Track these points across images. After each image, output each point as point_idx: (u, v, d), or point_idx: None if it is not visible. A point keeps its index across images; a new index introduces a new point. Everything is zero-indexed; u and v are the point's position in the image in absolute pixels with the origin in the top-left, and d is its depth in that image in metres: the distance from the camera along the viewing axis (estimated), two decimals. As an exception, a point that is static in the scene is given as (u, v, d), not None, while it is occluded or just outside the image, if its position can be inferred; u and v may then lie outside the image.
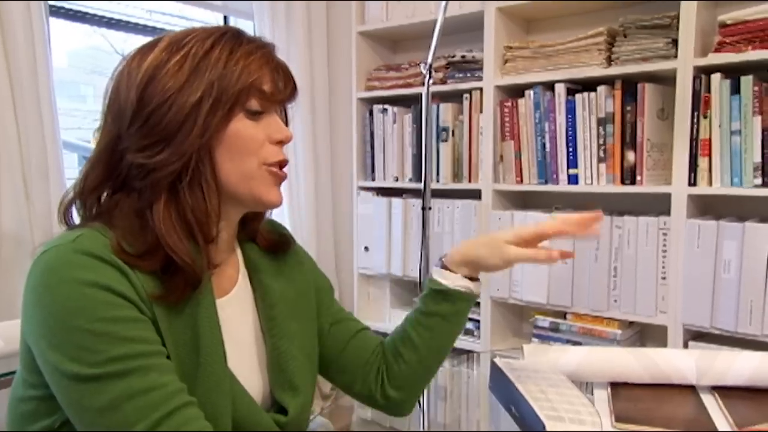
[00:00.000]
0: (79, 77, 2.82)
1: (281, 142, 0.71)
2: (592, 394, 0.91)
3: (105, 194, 0.68)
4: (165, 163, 0.63)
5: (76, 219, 0.69)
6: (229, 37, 0.68)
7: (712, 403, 0.85)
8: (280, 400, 0.75)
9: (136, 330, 0.60)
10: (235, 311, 0.75)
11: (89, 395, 0.57)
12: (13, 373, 1.32)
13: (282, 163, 0.71)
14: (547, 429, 0.70)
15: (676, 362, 0.90)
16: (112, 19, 2.06)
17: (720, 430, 0.76)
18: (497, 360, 0.94)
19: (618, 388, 0.91)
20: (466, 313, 0.86)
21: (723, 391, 0.88)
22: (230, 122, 0.66)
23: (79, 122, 2.81)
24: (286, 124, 0.75)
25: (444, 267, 0.85)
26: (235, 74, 0.66)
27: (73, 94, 2.75)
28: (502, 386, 0.89)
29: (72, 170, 1.91)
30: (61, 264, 0.59)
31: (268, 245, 0.80)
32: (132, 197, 0.66)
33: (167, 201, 0.64)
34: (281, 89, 0.71)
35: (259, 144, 0.69)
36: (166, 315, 0.63)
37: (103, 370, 0.57)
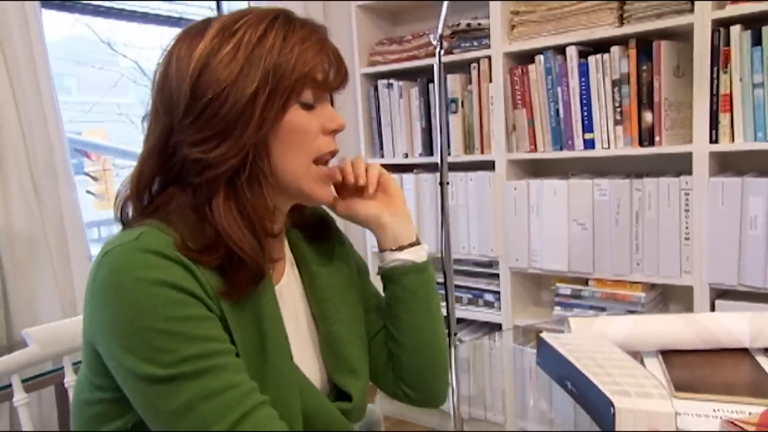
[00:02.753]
0: (62, 69, 2.75)
1: (334, 131, 0.69)
2: (643, 363, 0.89)
3: (156, 187, 0.65)
4: (223, 159, 0.61)
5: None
6: (281, 21, 0.64)
7: (769, 366, 0.84)
8: (341, 386, 0.74)
9: (207, 328, 0.58)
10: (287, 299, 0.73)
11: (165, 397, 0.55)
12: (48, 373, 1.31)
13: (333, 153, 0.69)
14: (617, 406, 0.68)
15: (729, 326, 0.89)
16: (101, 6, 1.99)
17: (784, 393, 0.75)
18: (545, 335, 0.92)
19: (669, 356, 0.90)
20: (419, 285, 0.79)
21: (778, 352, 0.87)
22: (286, 114, 0.63)
23: (68, 115, 2.75)
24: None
25: (382, 250, 0.81)
26: (290, 63, 0.63)
27: (57, 85, 2.68)
28: (553, 361, 0.88)
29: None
30: (127, 264, 0.57)
31: (312, 231, 0.78)
32: (187, 192, 0.63)
33: (226, 196, 0.62)
34: (334, 77, 0.68)
35: (313, 135, 0.66)
36: (232, 311, 0.62)
37: (177, 370, 0.55)
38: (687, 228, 1.64)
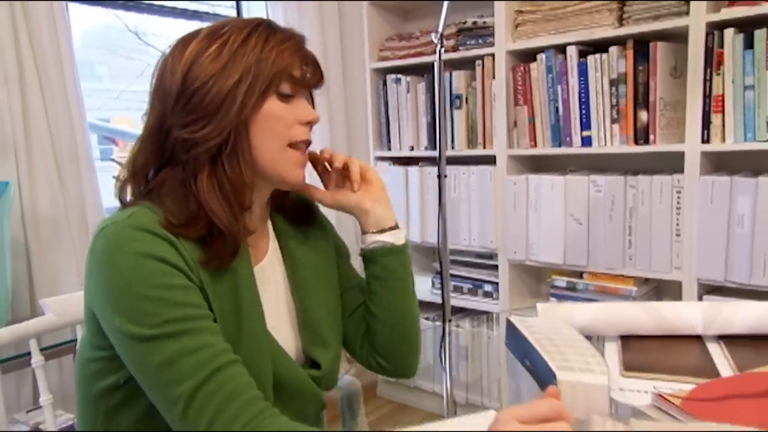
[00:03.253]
0: (94, 57, 2.86)
1: (309, 123, 0.78)
2: (604, 346, 0.96)
3: (151, 171, 0.74)
4: (207, 137, 0.70)
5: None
6: (263, 28, 0.74)
7: (717, 351, 0.90)
8: (312, 356, 0.82)
9: (187, 296, 0.67)
10: (269, 276, 0.81)
11: (148, 353, 0.64)
12: (66, 343, 1.42)
13: (307, 143, 0.78)
14: (558, 378, 0.75)
15: (684, 314, 0.95)
16: (125, 3, 2.10)
17: (723, 375, 0.81)
18: (512, 318, 1.00)
19: (628, 340, 0.96)
20: (396, 265, 0.87)
21: (728, 339, 0.93)
22: (264, 102, 0.73)
23: (97, 102, 2.87)
24: (313, 107, 0.81)
25: (363, 233, 0.89)
26: (269, 60, 0.72)
27: (89, 74, 2.79)
28: (517, 342, 0.95)
29: (94, 151, 1.98)
30: (120, 239, 0.66)
31: (295, 215, 0.87)
32: (177, 170, 0.72)
33: (209, 172, 0.71)
34: (309, 76, 0.77)
35: (289, 124, 0.75)
36: (211, 281, 0.70)
37: (159, 330, 0.64)
38: (678, 225, 1.69)
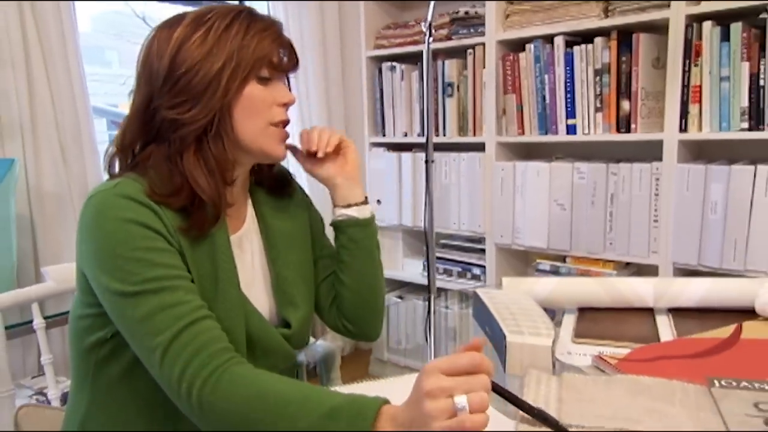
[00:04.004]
0: (104, 42, 2.93)
1: (286, 105, 0.84)
2: (563, 317, 1.03)
3: (138, 146, 0.81)
4: (194, 119, 0.77)
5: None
6: (245, 16, 0.80)
7: (664, 322, 0.97)
8: (284, 316, 0.90)
9: (166, 258, 0.74)
10: (246, 244, 0.89)
11: (130, 308, 0.71)
12: (66, 313, 1.51)
13: (285, 123, 0.85)
14: (508, 340, 0.82)
15: (637, 288, 1.02)
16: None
17: (663, 340, 0.88)
18: (479, 290, 1.07)
19: (585, 312, 1.03)
20: (361, 237, 0.94)
21: (678, 311, 1.00)
22: (246, 86, 0.79)
23: (106, 87, 2.93)
24: (289, 90, 0.88)
25: (334, 206, 0.97)
26: (251, 47, 0.79)
27: (98, 59, 2.85)
28: (481, 312, 1.02)
29: (102, 134, 2.06)
30: (106, 206, 0.73)
31: (272, 187, 0.94)
32: (162, 147, 0.79)
33: (195, 150, 0.78)
34: (287, 62, 0.84)
35: (268, 105, 0.82)
36: (190, 247, 0.78)
37: (140, 287, 0.71)
38: (656, 211, 1.75)
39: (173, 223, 0.76)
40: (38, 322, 1.14)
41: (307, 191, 1.02)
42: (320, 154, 0.91)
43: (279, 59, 0.83)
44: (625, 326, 0.96)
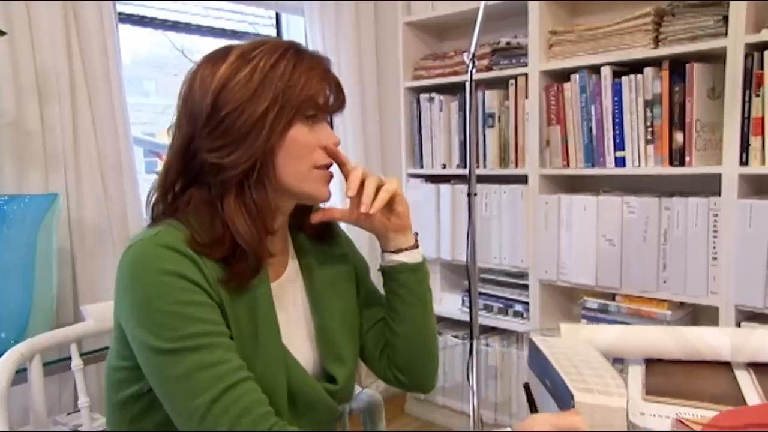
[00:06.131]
0: (143, 73, 2.99)
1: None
2: (628, 370, 0.95)
3: (179, 187, 0.77)
4: (236, 163, 0.72)
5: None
6: (292, 53, 0.76)
7: (745, 379, 0.88)
8: (329, 370, 0.84)
9: (206, 312, 0.69)
10: (287, 292, 0.84)
11: (167, 366, 0.67)
12: (104, 349, 1.48)
13: (329, 165, 0.80)
14: (576, 399, 0.75)
15: (710, 339, 0.93)
16: (170, 20, 2.20)
17: (750, 404, 0.80)
18: (534, 337, 1.00)
19: (653, 364, 0.95)
20: (412, 282, 0.88)
21: (758, 367, 0.91)
22: (291, 129, 0.75)
23: (144, 117, 2.98)
24: (331, 128, 0.83)
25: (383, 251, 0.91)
26: (297, 87, 0.74)
27: (137, 89, 2.90)
28: (538, 362, 0.95)
29: (139, 164, 2.07)
30: (145, 256, 0.69)
31: (315, 233, 0.89)
32: (203, 191, 0.75)
33: (236, 195, 0.74)
34: (333, 101, 0.79)
35: (312, 148, 0.77)
36: (230, 299, 0.73)
37: (178, 344, 0.67)
38: (715, 248, 1.65)
39: (214, 274, 0.72)
40: (76, 363, 1.11)
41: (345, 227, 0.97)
42: (372, 212, 0.82)
43: (326, 99, 0.78)
44: (701, 383, 0.88)
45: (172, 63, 2.71)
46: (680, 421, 0.72)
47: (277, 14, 2.49)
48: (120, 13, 1.85)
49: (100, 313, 1.13)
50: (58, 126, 1.63)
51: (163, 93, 2.95)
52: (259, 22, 2.52)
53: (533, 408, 0.64)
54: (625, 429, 0.73)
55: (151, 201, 0.78)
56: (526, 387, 0.57)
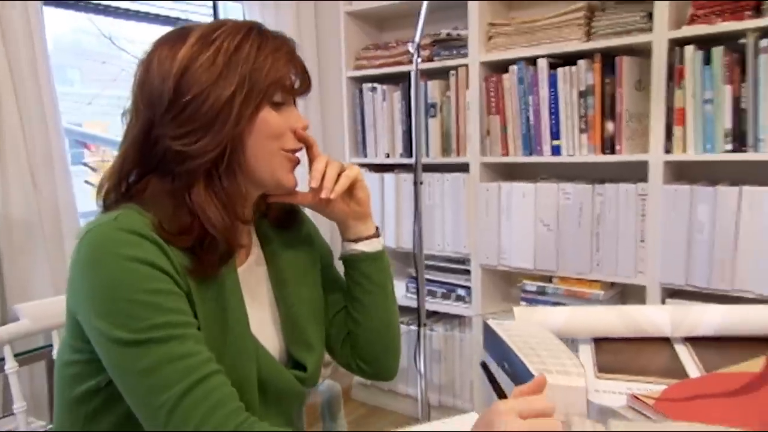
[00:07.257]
0: (66, 61, 2.81)
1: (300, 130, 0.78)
2: (578, 349, 1.01)
3: (133, 176, 0.73)
4: (203, 151, 0.69)
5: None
6: (255, 34, 0.73)
7: (684, 353, 0.96)
8: (298, 358, 0.84)
9: (174, 302, 0.66)
10: (251, 279, 0.82)
11: (132, 359, 0.63)
12: (38, 349, 1.40)
13: (297, 149, 0.79)
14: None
15: (653, 317, 1.00)
16: (101, 5, 2.08)
17: (691, 376, 0.87)
18: (490, 321, 1.04)
19: (600, 343, 1.01)
20: (373, 271, 0.89)
21: (694, 341, 0.99)
22: (259, 113, 0.73)
23: (69, 106, 2.81)
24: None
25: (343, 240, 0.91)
26: (264, 70, 0.72)
27: (61, 78, 2.73)
28: (495, 345, 0.99)
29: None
30: (106, 241, 0.65)
31: (278, 220, 0.88)
32: (165, 180, 0.71)
33: (206, 185, 0.71)
34: (300, 84, 0.78)
35: (282, 132, 0.76)
36: (197, 289, 0.71)
37: (145, 335, 0.63)
38: (642, 231, 1.77)
39: (181, 262, 0.69)
40: (10, 366, 1.05)
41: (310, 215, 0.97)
42: (332, 196, 0.82)
43: (292, 82, 0.77)
44: (646, 358, 0.94)
45: (97, 50, 2.57)
46: (635, 397, 0.78)
47: (213, 1, 2.41)
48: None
49: (35, 312, 1.07)
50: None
51: (89, 81, 2.79)
52: (194, 9, 2.42)
53: (495, 385, 0.65)
54: (585, 407, 0.78)
55: (104, 189, 0.74)
56: (484, 365, 0.58)
